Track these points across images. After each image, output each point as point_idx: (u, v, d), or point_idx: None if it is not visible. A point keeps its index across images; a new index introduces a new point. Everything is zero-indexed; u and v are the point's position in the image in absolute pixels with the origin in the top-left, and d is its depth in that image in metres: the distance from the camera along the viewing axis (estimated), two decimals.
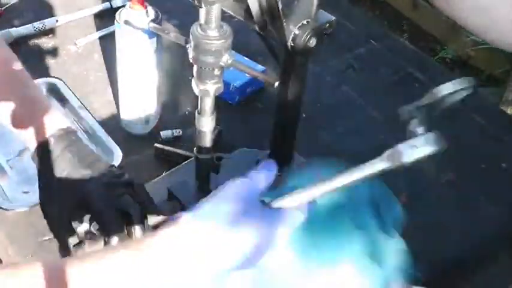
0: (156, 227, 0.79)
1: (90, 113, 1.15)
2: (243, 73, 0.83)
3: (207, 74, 0.80)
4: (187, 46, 0.80)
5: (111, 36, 1.22)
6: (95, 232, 0.90)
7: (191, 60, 0.79)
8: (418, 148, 0.58)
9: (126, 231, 0.79)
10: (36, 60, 1.31)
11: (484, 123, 1.25)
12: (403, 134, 1.23)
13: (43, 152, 0.81)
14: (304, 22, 0.85)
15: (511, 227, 1.04)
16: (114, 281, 0.56)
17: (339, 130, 1.21)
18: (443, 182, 1.12)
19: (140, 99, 1.13)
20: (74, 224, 0.83)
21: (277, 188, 0.65)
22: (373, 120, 1.24)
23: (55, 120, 0.84)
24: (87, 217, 0.95)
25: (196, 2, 0.73)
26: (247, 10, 0.85)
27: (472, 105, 1.29)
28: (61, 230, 0.81)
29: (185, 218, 0.58)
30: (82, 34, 1.38)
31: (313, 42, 0.85)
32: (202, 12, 0.76)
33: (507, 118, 1.35)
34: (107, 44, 1.33)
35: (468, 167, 1.15)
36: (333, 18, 0.88)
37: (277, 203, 0.59)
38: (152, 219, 0.79)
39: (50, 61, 1.31)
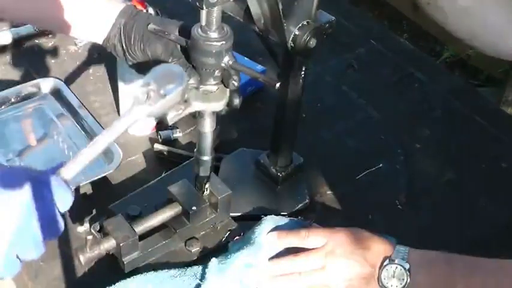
0: None
1: (90, 113, 1.15)
2: (243, 73, 0.83)
3: (208, 75, 0.80)
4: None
5: None
6: (95, 233, 0.90)
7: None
8: None
9: None
10: (36, 60, 1.31)
11: (484, 123, 1.25)
12: (403, 134, 1.24)
13: None
14: (305, 23, 0.85)
15: (511, 227, 1.04)
16: None
17: (339, 130, 1.21)
18: (443, 182, 1.12)
19: None
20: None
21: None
22: (373, 120, 1.24)
23: None
24: (87, 218, 0.96)
25: (197, 3, 0.73)
26: (247, 11, 0.85)
27: (472, 105, 1.29)
28: None
29: None
30: None
31: (313, 42, 0.85)
32: (203, 13, 0.76)
33: (507, 118, 1.35)
34: None
35: (468, 167, 1.15)
36: (333, 18, 0.88)
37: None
38: None
39: (50, 61, 1.31)
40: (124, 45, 0.86)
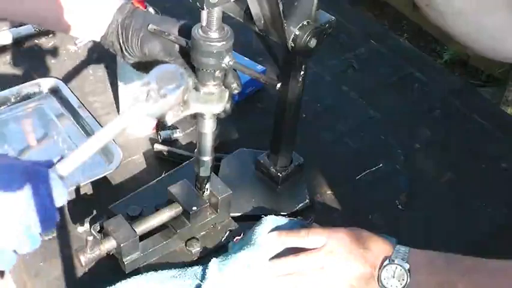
0: None
1: (90, 113, 1.15)
2: (243, 73, 0.83)
3: (208, 76, 0.80)
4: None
5: None
6: (95, 234, 0.90)
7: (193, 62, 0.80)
8: None
9: None
10: (36, 60, 1.31)
11: (484, 123, 1.25)
12: (403, 134, 1.23)
13: None
14: (305, 23, 0.85)
15: (510, 227, 1.04)
16: None
17: (339, 130, 1.21)
18: (443, 182, 1.12)
19: None
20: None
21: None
22: (373, 120, 1.24)
23: None
24: (87, 218, 0.96)
25: (198, 4, 0.73)
26: (247, 11, 0.85)
27: (472, 105, 1.29)
28: None
29: None
30: None
31: (313, 42, 0.85)
32: (203, 14, 0.76)
33: (507, 118, 1.35)
34: None
35: (468, 167, 1.15)
36: (333, 18, 0.88)
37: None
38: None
39: (50, 61, 1.31)
40: (121, 43, 0.86)
